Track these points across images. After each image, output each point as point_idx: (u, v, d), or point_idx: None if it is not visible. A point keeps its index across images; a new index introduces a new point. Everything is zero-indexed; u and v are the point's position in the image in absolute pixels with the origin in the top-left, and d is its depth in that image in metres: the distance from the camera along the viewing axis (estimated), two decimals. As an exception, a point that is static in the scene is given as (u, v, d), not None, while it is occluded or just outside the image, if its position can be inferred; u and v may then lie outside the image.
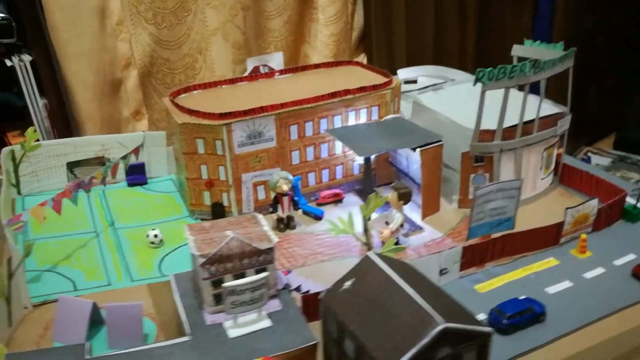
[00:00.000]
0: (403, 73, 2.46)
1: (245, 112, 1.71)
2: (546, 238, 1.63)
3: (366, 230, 1.41)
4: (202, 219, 1.84)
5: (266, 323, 1.20)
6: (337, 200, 1.94)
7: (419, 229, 1.77)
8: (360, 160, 1.78)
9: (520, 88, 1.74)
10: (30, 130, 1.86)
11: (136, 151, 1.91)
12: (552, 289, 1.49)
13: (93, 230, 1.77)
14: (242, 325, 1.18)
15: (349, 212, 1.44)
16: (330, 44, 2.76)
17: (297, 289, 1.39)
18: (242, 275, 1.22)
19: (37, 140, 1.88)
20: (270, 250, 1.22)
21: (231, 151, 1.73)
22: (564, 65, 1.77)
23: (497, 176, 1.80)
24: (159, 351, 1.10)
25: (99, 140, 2.01)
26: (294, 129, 1.82)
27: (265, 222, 1.30)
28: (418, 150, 1.72)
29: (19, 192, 1.92)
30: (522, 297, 1.42)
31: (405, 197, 1.60)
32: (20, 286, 1.32)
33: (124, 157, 1.84)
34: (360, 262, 1.05)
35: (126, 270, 1.57)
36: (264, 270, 1.24)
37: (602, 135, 3.82)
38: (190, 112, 1.74)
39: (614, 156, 3.85)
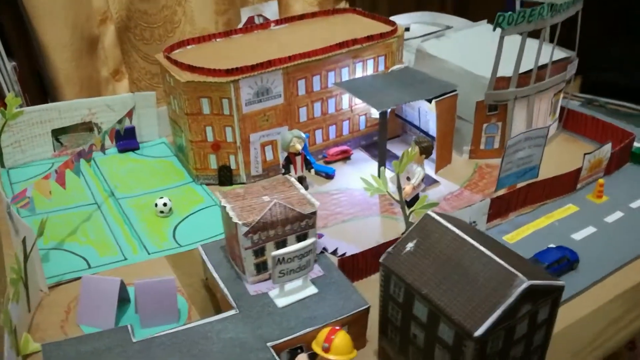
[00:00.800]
0: (395, 20, 2.36)
1: (253, 67, 1.60)
2: (565, 185, 1.63)
3: (399, 188, 1.36)
4: (208, 184, 1.74)
5: (312, 290, 1.14)
6: (346, 157, 1.88)
7: (434, 182, 1.74)
8: (375, 114, 1.71)
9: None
10: (10, 96, 1.69)
11: (130, 114, 1.77)
12: (577, 236, 1.50)
13: (93, 202, 1.64)
14: (288, 293, 1.13)
15: (382, 168, 1.38)
16: (314, -9, 2.62)
17: (334, 252, 1.33)
18: (284, 243, 1.16)
19: (20, 106, 1.70)
20: (312, 214, 1.16)
21: (239, 110, 1.62)
22: (575, 7, 1.73)
23: (510, 125, 1.77)
24: (210, 327, 1.03)
25: (85, 103, 1.85)
26: (301, 84, 1.72)
27: (297, 183, 1.23)
28: (434, 101, 1.66)
29: (2, 165, 1.76)
30: (552, 245, 1.42)
31: (427, 151, 1.55)
32: (35, 268, 1.21)
33: (120, 121, 1.70)
34: (420, 222, 1.00)
35: (140, 242, 1.47)
36: (305, 235, 1.18)
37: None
38: (193, 69, 1.61)
39: (582, 99, 3.93)
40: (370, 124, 1.93)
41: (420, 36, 2.08)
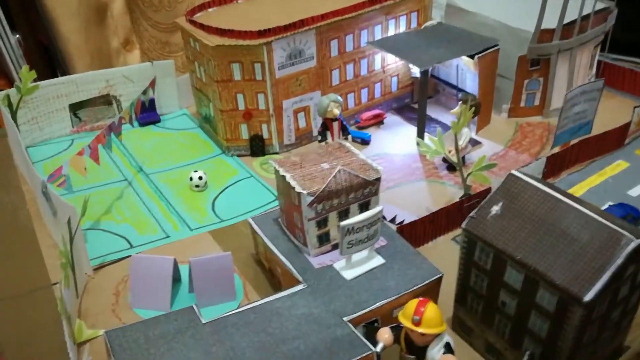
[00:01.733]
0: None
1: (286, 27, 1.50)
2: (614, 141, 1.57)
3: (457, 149, 1.28)
4: (239, 155, 1.66)
5: (379, 260, 1.08)
6: (379, 121, 1.80)
7: (477, 143, 1.67)
8: (416, 73, 1.62)
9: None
10: (24, 69, 1.57)
11: (153, 84, 1.67)
12: (633, 192, 1.44)
13: (123, 179, 1.56)
14: (355, 265, 1.06)
15: (437, 129, 1.30)
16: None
17: (393, 220, 1.27)
18: (346, 212, 1.08)
19: (35, 80, 1.60)
20: (377, 180, 1.08)
21: (272, 75, 1.53)
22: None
23: (552, 80, 1.69)
24: (280, 304, 0.97)
25: (103, 75, 1.74)
26: (334, 44, 1.62)
27: (352, 148, 1.15)
28: (476, 57, 1.58)
29: (20, 144, 1.66)
30: (611, 203, 1.36)
31: (476, 110, 1.47)
32: (80, 251, 1.13)
33: (144, 92, 1.60)
34: (504, 183, 0.94)
35: (180, 219, 1.39)
36: (367, 203, 1.10)
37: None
38: (222, 32, 1.50)
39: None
40: (402, 85, 1.85)
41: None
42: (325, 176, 1.04)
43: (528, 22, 1.63)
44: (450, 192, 1.46)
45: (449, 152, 1.49)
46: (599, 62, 1.90)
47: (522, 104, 1.75)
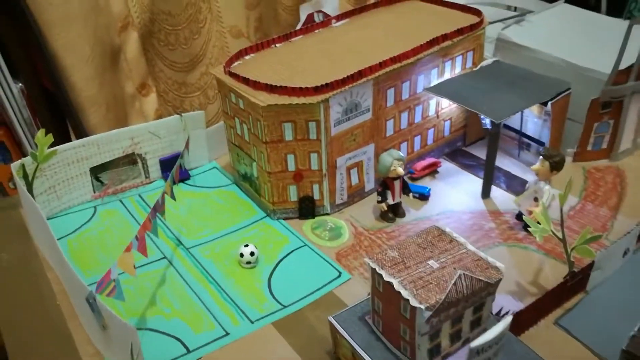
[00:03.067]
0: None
1: (344, 81, 1.33)
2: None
3: (562, 224, 1.13)
4: (285, 218, 1.48)
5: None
6: (433, 170, 1.64)
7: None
8: (487, 123, 1.47)
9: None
10: (40, 134, 1.37)
11: (187, 145, 1.48)
12: None
13: (162, 256, 1.37)
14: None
15: (541, 202, 1.14)
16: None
17: (498, 313, 1.10)
18: (459, 319, 0.92)
19: (52, 145, 1.40)
20: (498, 282, 0.92)
21: (327, 133, 1.36)
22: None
23: (623, 122, 1.55)
24: None
25: (127, 133, 1.54)
26: (390, 93, 1.46)
27: (455, 234, 0.99)
28: (550, 103, 1.43)
29: (37, 217, 1.46)
30: None
31: (559, 166, 1.32)
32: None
33: (182, 156, 1.41)
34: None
35: (237, 309, 1.21)
36: (482, 305, 0.94)
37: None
38: (272, 88, 1.33)
39: None
40: (454, 128, 1.69)
41: (497, 21, 1.83)
42: (440, 281, 0.87)
43: (596, 60, 1.49)
44: (537, 259, 1.31)
45: (529, 212, 1.35)
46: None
47: (589, 148, 1.61)
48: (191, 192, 1.62)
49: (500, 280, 0.92)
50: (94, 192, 1.55)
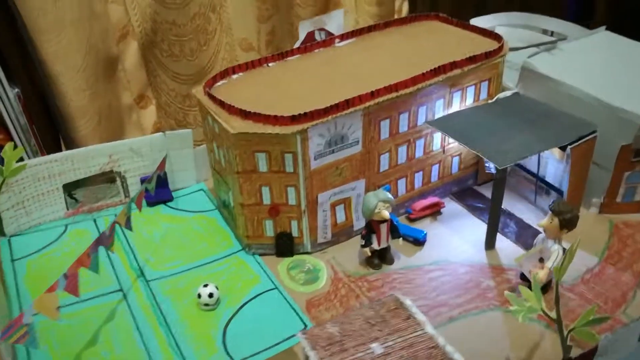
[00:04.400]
0: (477, 23, 1.90)
1: (327, 111, 1.18)
2: None
3: (557, 301, 0.94)
4: (262, 254, 1.35)
5: None
6: (435, 211, 1.46)
7: (563, 252, 1.31)
8: (491, 167, 1.29)
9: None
10: (8, 147, 1.31)
11: (162, 165, 1.37)
12: None
13: (118, 288, 1.26)
14: None
15: (546, 266, 0.95)
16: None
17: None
18: (407, 415, 0.76)
19: (20, 159, 1.32)
20: (454, 376, 0.75)
21: (306, 166, 1.22)
22: None
23: (660, 172, 1.33)
24: None
25: (105, 149, 1.46)
26: (384, 125, 1.30)
27: (415, 308, 0.82)
28: (569, 148, 1.23)
29: (2, 233, 1.39)
30: None
31: (570, 224, 1.13)
32: None
33: (149, 180, 1.31)
34: None
35: (180, 356, 1.09)
36: (437, 399, 0.77)
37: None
38: (246, 114, 1.20)
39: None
40: (464, 165, 1.51)
41: (525, 47, 1.63)
42: (379, 374, 0.72)
43: (632, 99, 1.28)
44: (537, 331, 1.11)
45: (534, 273, 1.15)
46: None
47: (619, 199, 1.39)
48: (170, 215, 1.52)
49: (456, 377, 0.75)
50: (67, 209, 1.47)
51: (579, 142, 1.24)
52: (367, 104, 1.23)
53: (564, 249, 1.16)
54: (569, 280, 1.24)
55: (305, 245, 1.34)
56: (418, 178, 1.45)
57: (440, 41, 1.52)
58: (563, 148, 1.27)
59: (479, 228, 1.40)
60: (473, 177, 1.55)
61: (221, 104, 1.24)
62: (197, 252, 1.37)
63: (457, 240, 1.38)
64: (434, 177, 1.48)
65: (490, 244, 1.32)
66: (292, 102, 1.25)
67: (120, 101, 1.82)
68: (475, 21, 1.91)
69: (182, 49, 1.90)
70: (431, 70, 1.30)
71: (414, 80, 1.28)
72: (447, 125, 1.31)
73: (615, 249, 1.32)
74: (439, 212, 1.47)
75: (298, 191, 1.25)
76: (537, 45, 1.60)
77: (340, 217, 1.35)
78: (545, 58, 1.54)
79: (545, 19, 1.88)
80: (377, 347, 0.75)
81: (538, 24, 1.89)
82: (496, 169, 1.22)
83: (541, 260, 1.16)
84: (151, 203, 1.54)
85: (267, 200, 1.27)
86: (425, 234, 1.37)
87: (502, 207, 1.46)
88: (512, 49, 1.72)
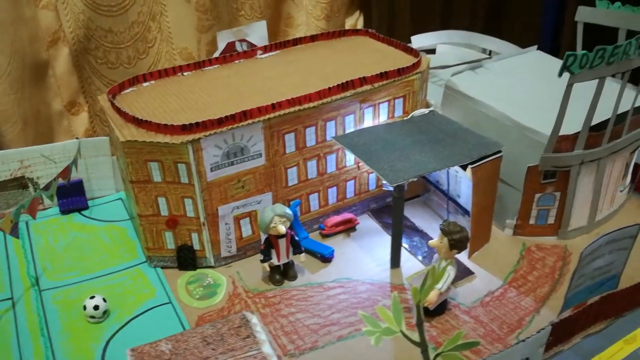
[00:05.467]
0: (418, 40, 1.91)
1: (220, 122, 1.16)
2: (653, 290, 1.17)
3: (420, 324, 0.91)
4: (164, 267, 1.32)
5: None
6: (350, 227, 1.44)
7: (468, 274, 1.29)
8: (388, 186, 1.27)
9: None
10: None
11: (65, 174, 1.34)
12: (677, 376, 1.04)
13: (8, 297, 1.23)
14: None
15: (393, 295, 0.93)
16: (321, 1, 2.17)
17: None
18: None
19: None
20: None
21: (201, 177, 1.19)
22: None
23: (571, 195, 1.31)
24: None
25: (14, 155, 1.44)
26: (289, 139, 1.28)
27: (261, 329, 0.79)
28: (469, 168, 1.21)
29: None
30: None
31: (460, 245, 1.10)
32: None
33: (47, 187, 1.28)
34: None
35: (51, 372, 1.06)
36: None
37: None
38: (138, 122, 1.18)
39: None
40: (382, 182, 1.49)
41: (450, 66, 1.62)
42: (192, 395, 0.69)
43: (546, 120, 1.26)
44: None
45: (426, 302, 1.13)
46: (636, 166, 1.50)
47: (532, 221, 1.37)
48: (81, 224, 1.49)
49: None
50: (-26, 215, 1.44)
51: (481, 162, 1.21)
52: (267, 116, 1.21)
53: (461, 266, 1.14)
54: (468, 302, 1.21)
55: (209, 259, 1.31)
56: (332, 194, 1.43)
57: (364, 57, 1.50)
58: (466, 168, 1.24)
59: (390, 246, 1.37)
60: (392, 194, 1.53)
61: (118, 111, 1.22)
62: (98, 263, 1.34)
63: (365, 258, 1.35)
64: (350, 193, 1.46)
65: (394, 262, 1.30)
66: (194, 112, 1.23)
67: (50, 107, 1.80)
68: (416, 39, 1.91)
69: (119, 56, 1.89)
70: (338, 85, 1.28)
71: (320, 95, 1.27)
72: (352, 141, 1.28)
73: (523, 272, 1.29)
74: (353, 229, 1.44)
75: (195, 203, 1.22)
76: (462, 64, 1.59)
77: (247, 231, 1.33)
78: (469, 77, 1.52)
79: (484, 38, 1.87)
80: (203, 367, 0.73)
81: (478, 42, 1.88)
82: (394, 188, 1.19)
83: (433, 281, 1.13)
84: (66, 211, 1.52)
85: (164, 211, 1.24)
86: (333, 251, 1.34)
87: (417, 225, 1.45)
88: (437, 68, 1.72)
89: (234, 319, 0.81)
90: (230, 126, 1.17)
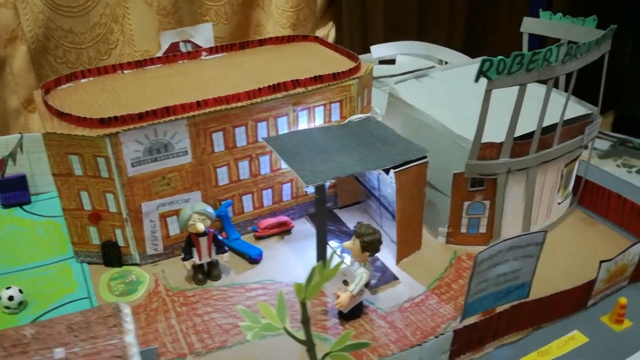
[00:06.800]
0: (377, 51, 1.91)
1: (141, 117, 1.17)
2: (570, 303, 1.15)
3: (305, 322, 0.90)
4: (90, 262, 1.32)
5: None
6: (284, 230, 1.43)
7: (393, 279, 1.27)
8: (308, 188, 1.26)
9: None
10: None
11: (1, 165, 1.36)
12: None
13: None
14: None
15: (279, 292, 0.92)
16: (288, 9, 2.19)
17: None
18: None
19: None
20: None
21: (122, 172, 1.20)
22: (600, 50, 1.25)
23: (500, 204, 1.29)
24: None
25: (-48, 147, 1.46)
26: (218, 138, 1.28)
27: (130, 319, 0.79)
28: (392, 172, 1.21)
29: None
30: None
31: (371, 248, 1.09)
32: None
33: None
34: None
35: (-47, 360, 1.05)
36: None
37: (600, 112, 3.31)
38: (61, 115, 1.19)
39: (613, 139, 3.39)
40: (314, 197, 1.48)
41: (397, 75, 1.62)
42: (37, 379, 0.68)
43: (472, 126, 1.25)
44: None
45: (336, 296, 1.12)
46: (579, 178, 1.49)
47: (464, 230, 1.35)
48: (20, 218, 1.49)
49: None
50: None
51: (405, 166, 1.21)
52: (192, 113, 1.21)
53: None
54: (386, 307, 1.20)
55: (134, 257, 1.31)
56: (267, 196, 1.42)
57: (308, 62, 1.51)
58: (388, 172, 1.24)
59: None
60: (334, 199, 1.52)
61: (46, 105, 1.24)
62: (27, 256, 1.34)
63: (294, 260, 1.34)
64: (287, 196, 1.45)
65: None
66: (122, 108, 1.24)
67: (6, 103, 1.82)
68: (376, 49, 1.91)
69: (79, 56, 1.91)
70: (269, 86, 1.29)
71: (249, 95, 1.27)
72: (281, 142, 1.28)
73: (448, 280, 1.27)
74: (288, 232, 1.44)
75: (117, 198, 1.23)
76: (408, 73, 1.59)
77: (174, 229, 1.32)
78: (412, 85, 1.52)
79: (441, 49, 1.87)
80: (59, 352, 0.72)
81: (435, 54, 1.88)
82: (315, 189, 1.19)
83: (346, 283, 1.12)
84: (7, 205, 1.53)
85: (87, 205, 1.25)
86: (261, 252, 1.34)
87: (352, 231, 1.44)
88: (385, 77, 1.72)
89: (106, 308, 0.81)
90: (151, 122, 1.18)
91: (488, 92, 1.12)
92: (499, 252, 0.97)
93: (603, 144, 3.40)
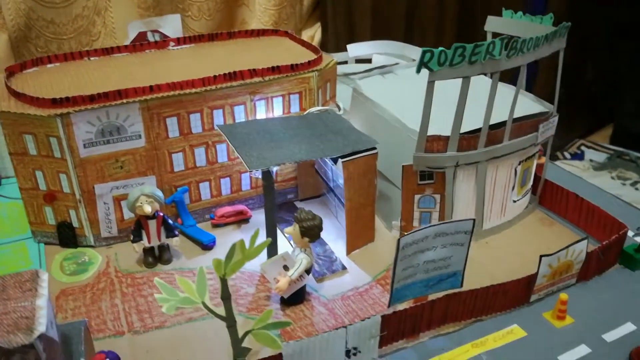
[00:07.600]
0: (354, 49, 1.93)
1: (92, 98, 1.20)
2: (511, 297, 1.15)
3: (226, 298, 0.91)
4: (47, 243, 1.35)
5: None
6: (242, 219, 1.45)
7: (340, 269, 1.28)
8: (257, 173, 1.28)
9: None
10: None
11: (-36, 146, 1.40)
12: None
13: None
14: None
15: (200, 268, 0.93)
16: (270, 7, 2.22)
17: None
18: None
19: None
20: (29, 347, 0.73)
21: (73, 153, 1.22)
22: (552, 46, 1.26)
23: (449, 198, 1.30)
24: None
25: None
26: (172, 123, 1.31)
27: (46, 285, 0.80)
28: (340, 161, 1.22)
29: None
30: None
31: (310, 233, 1.10)
32: None
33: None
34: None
35: None
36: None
37: (598, 125, 3.31)
38: (17, 95, 1.22)
39: (610, 152, 3.37)
40: (283, 178, 1.50)
41: (363, 72, 1.64)
42: (-63, 334, 0.70)
43: (433, 123, 1.26)
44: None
45: (276, 281, 1.13)
46: (536, 178, 1.49)
47: (416, 224, 1.35)
48: (-14, 199, 1.53)
49: (29, 345, 0.72)
50: None
51: (354, 156, 1.22)
52: (144, 97, 1.24)
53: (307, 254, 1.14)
54: (329, 295, 1.20)
55: (89, 238, 1.33)
56: (225, 184, 1.44)
57: (274, 55, 1.53)
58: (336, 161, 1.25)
59: (281, 240, 1.37)
60: (294, 191, 1.53)
61: (6, 86, 1.27)
62: (-14, 235, 1.38)
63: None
64: (246, 185, 1.47)
65: (270, 252, 1.30)
66: (81, 91, 1.26)
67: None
68: (352, 47, 1.93)
69: (61, 47, 1.96)
70: (225, 74, 1.31)
71: (203, 82, 1.29)
72: (235, 130, 1.30)
73: (395, 272, 1.28)
74: (246, 221, 1.45)
75: (70, 179, 1.25)
76: (373, 69, 1.61)
77: (129, 213, 1.34)
78: (375, 81, 1.54)
79: (414, 49, 1.88)
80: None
81: (409, 53, 1.89)
82: (262, 176, 1.21)
83: (286, 268, 1.13)
84: (-25, 186, 1.57)
85: (42, 185, 1.27)
86: (214, 239, 1.35)
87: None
88: (352, 74, 1.74)
89: (26, 274, 0.83)
90: (102, 104, 1.20)
91: (430, 84, 1.13)
92: (425, 238, 0.97)
93: (600, 156, 3.39)
